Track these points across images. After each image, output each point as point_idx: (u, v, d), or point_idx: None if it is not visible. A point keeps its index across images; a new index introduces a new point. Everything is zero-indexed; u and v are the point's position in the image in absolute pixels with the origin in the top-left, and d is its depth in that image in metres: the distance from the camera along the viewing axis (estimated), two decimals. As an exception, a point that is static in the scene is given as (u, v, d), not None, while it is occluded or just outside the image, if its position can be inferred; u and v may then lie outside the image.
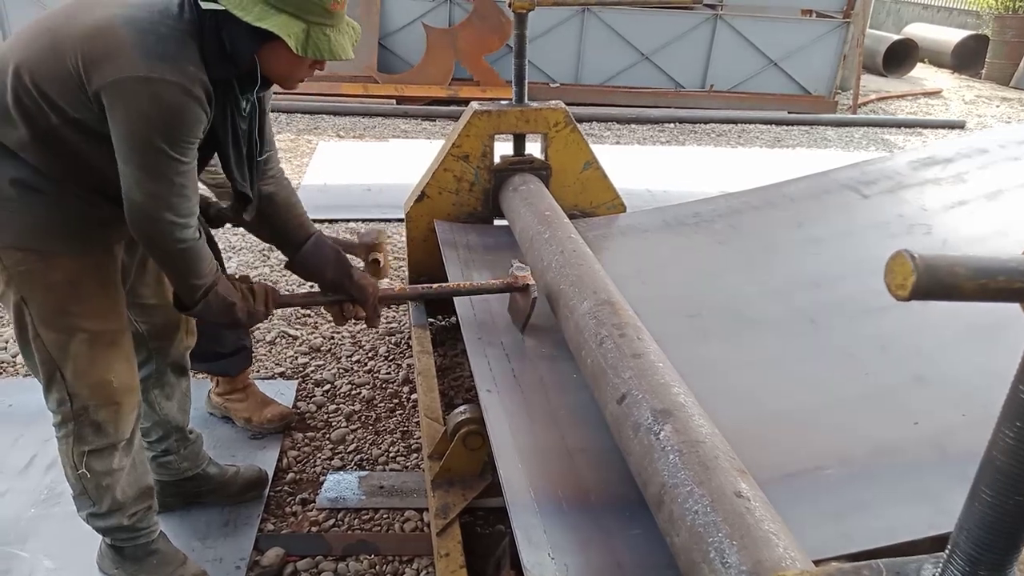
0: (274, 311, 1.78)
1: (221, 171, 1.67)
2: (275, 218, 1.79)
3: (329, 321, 3.15)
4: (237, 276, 1.71)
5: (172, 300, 1.64)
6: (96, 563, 1.89)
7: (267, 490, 2.19)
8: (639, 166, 5.45)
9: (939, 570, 0.76)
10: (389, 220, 4.21)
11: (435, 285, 2.14)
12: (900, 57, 9.81)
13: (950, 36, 10.98)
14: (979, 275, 0.55)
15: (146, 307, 1.79)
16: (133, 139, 1.36)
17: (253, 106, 1.57)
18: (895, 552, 1.30)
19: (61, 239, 1.50)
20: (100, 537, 1.83)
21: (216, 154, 1.58)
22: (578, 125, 2.76)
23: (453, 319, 3.05)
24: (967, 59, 10.68)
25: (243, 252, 3.74)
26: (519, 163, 2.74)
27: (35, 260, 1.48)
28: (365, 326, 3.08)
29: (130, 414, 1.68)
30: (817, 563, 1.11)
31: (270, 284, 1.78)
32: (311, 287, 1.95)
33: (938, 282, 0.54)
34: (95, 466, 1.66)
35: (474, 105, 2.68)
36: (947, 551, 0.74)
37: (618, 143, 6.31)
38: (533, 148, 2.80)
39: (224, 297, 1.60)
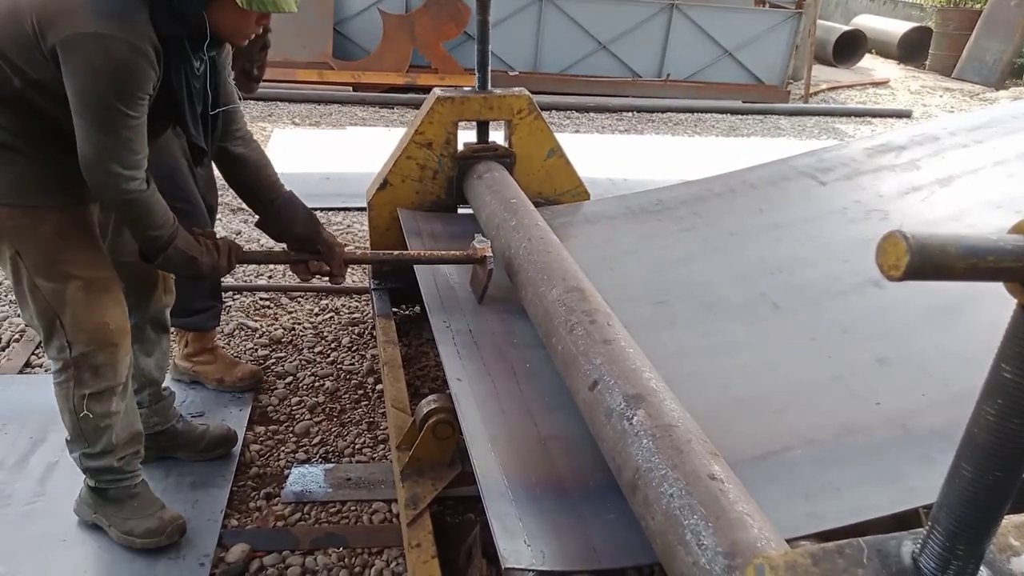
0: (236, 265, 1.86)
1: None
2: (246, 178, 1.89)
3: (290, 312, 3.10)
4: (203, 231, 1.81)
5: (138, 251, 1.73)
6: (74, 511, 1.97)
7: (237, 448, 2.25)
8: (599, 154, 5.47)
9: (919, 546, 0.77)
10: (350, 209, 4.14)
11: (396, 252, 2.24)
12: (849, 48, 10.04)
13: (896, 28, 11.28)
14: (969, 255, 0.56)
15: (124, 264, 1.84)
16: (84, 93, 1.43)
17: (207, 65, 1.65)
18: (860, 530, 1.33)
19: (44, 194, 1.60)
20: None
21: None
22: (540, 112, 2.75)
23: (417, 309, 3.02)
24: (912, 50, 10.99)
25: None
26: (483, 150, 2.71)
27: (22, 215, 1.59)
28: (328, 318, 3.06)
29: (125, 357, 1.78)
30: (788, 542, 1.13)
31: (234, 240, 1.86)
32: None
33: (930, 262, 0.55)
34: (95, 409, 1.76)
35: (437, 91, 2.65)
36: (927, 527, 0.76)
37: (577, 132, 6.32)
38: (496, 136, 2.78)
39: (184, 251, 1.69)
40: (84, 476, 1.91)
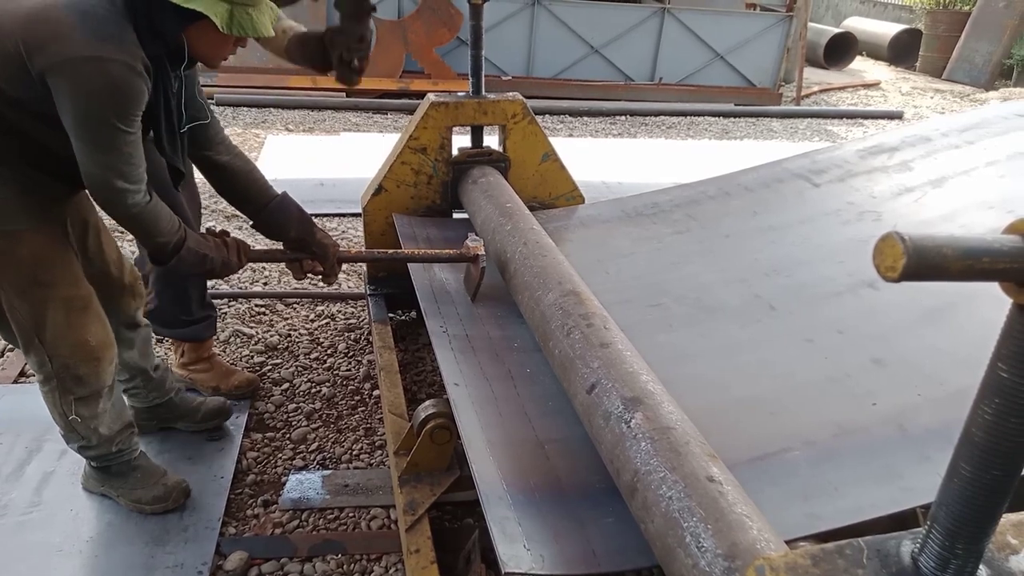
0: (246, 262, 1.91)
1: None
2: (235, 184, 1.93)
3: (285, 318, 3.09)
4: (217, 230, 1.88)
5: (148, 257, 1.76)
6: (81, 484, 2.08)
7: (234, 454, 2.27)
8: (593, 158, 5.48)
9: (918, 546, 0.78)
10: (344, 215, 4.14)
11: (390, 251, 2.27)
12: (840, 50, 10.09)
13: (886, 30, 11.34)
14: (966, 256, 0.56)
15: (92, 275, 1.87)
16: (84, 115, 1.45)
17: (180, 83, 1.68)
18: (858, 531, 1.34)
19: (22, 216, 1.60)
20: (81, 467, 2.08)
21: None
22: (535, 117, 2.76)
23: (413, 314, 3.02)
24: (902, 52, 11.05)
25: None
26: (478, 155, 2.72)
27: (0, 240, 1.59)
28: (324, 324, 3.05)
29: (109, 365, 1.84)
30: (787, 543, 1.14)
31: (242, 239, 1.91)
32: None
33: (927, 263, 0.55)
34: (83, 412, 1.83)
35: (431, 97, 2.65)
36: (926, 526, 0.76)
37: (571, 136, 6.33)
38: (491, 141, 2.78)
39: (196, 251, 1.75)
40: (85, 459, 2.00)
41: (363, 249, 2.41)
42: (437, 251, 2.24)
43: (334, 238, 3.62)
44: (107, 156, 1.50)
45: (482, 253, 2.11)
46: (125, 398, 2.17)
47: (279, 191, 1.99)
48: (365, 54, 2.03)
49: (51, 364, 1.74)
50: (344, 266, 3.51)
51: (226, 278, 3.32)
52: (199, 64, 1.70)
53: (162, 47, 1.54)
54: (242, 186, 1.94)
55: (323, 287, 3.36)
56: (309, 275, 2.05)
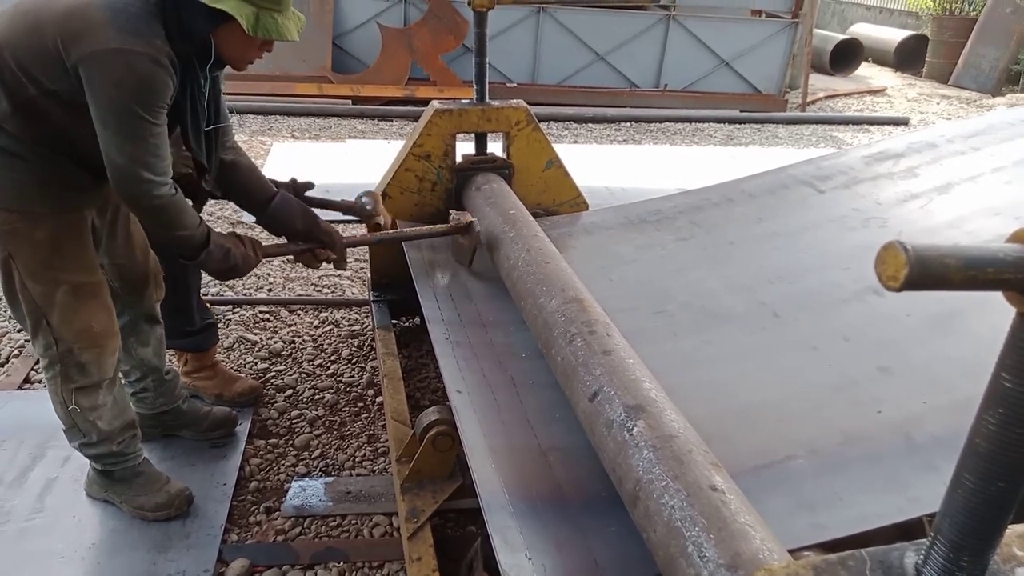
0: (262, 258, 1.97)
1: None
2: (239, 183, 2.00)
3: (289, 325, 3.09)
4: (225, 232, 1.92)
5: (178, 254, 1.82)
6: (84, 490, 2.09)
7: (237, 460, 2.27)
8: (597, 165, 5.48)
9: (922, 557, 0.77)
10: (349, 221, 4.14)
11: (389, 232, 2.42)
12: (846, 56, 10.07)
13: (892, 36, 11.31)
14: (969, 266, 0.55)
15: (117, 266, 1.98)
16: (111, 105, 1.52)
17: (210, 83, 1.76)
18: (863, 540, 1.32)
19: (43, 200, 1.66)
20: (83, 483, 2.10)
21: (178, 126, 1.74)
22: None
23: (417, 321, 3.01)
24: (908, 58, 11.02)
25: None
26: (481, 162, 2.72)
27: (19, 220, 1.65)
28: (328, 330, 3.06)
29: (111, 356, 1.87)
30: (791, 553, 1.13)
31: (254, 237, 1.98)
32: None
33: (929, 273, 0.55)
34: (82, 402, 1.85)
35: (435, 104, 2.65)
36: (930, 538, 0.75)
37: (576, 142, 6.34)
38: (495, 148, 2.78)
39: (221, 245, 1.82)
40: (89, 461, 2.01)
41: (366, 233, 2.46)
42: (432, 227, 2.32)
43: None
44: (133, 146, 1.55)
45: (474, 220, 2.18)
46: (132, 403, 2.17)
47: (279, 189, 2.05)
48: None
49: (56, 347, 1.77)
50: (347, 273, 3.54)
51: (231, 285, 3.33)
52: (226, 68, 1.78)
53: (191, 47, 1.61)
54: (246, 184, 2.00)
55: (327, 293, 3.36)
56: (324, 263, 2.10)
